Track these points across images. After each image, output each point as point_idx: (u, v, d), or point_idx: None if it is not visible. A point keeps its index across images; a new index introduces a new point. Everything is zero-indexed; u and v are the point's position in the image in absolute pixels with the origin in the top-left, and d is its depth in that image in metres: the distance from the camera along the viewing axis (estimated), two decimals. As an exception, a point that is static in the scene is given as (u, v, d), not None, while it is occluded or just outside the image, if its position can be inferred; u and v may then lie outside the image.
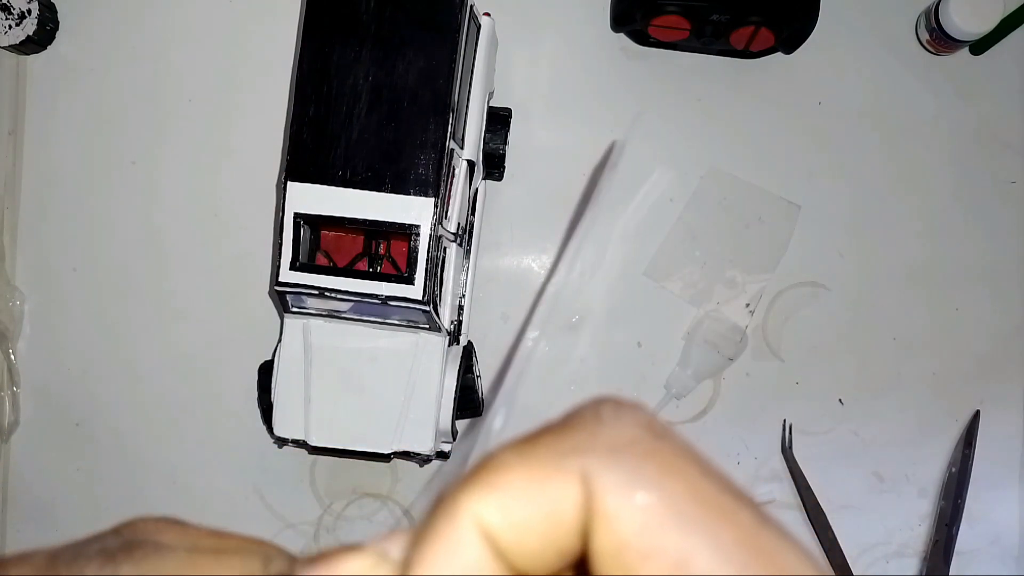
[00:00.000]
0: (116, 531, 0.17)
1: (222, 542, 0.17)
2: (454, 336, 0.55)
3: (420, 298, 0.47)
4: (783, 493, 0.61)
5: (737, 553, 0.12)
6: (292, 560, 0.16)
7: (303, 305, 0.50)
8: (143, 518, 0.18)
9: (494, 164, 0.58)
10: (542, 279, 0.62)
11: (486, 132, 0.56)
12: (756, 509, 0.13)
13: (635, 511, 0.13)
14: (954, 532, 0.59)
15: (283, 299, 0.50)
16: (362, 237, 0.53)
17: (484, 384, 0.59)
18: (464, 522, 0.14)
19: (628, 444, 0.14)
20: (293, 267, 0.48)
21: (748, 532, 0.13)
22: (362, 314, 0.50)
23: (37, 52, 0.62)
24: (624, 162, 0.62)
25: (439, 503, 0.14)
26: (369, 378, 0.52)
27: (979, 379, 0.61)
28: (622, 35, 0.61)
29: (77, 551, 0.16)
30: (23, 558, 0.16)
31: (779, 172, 0.61)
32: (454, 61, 0.48)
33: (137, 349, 0.62)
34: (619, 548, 0.13)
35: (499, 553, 0.14)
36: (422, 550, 0.14)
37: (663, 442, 0.14)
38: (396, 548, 0.14)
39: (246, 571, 0.16)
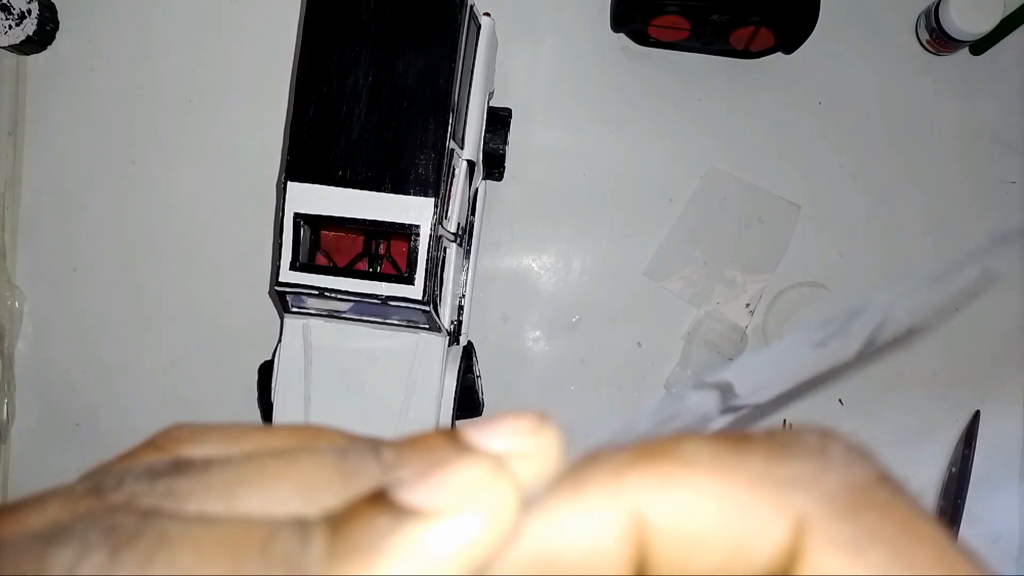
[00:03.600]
0: (155, 445, 0.15)
1: (278, 439, 0.14)
2: (454, 336, 0.55)
3: (420, 298, 0.47)
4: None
5: None
6: (372, 451, 0.13)
7: (303, 305, 0.50)
8: (178, 425, 0.15)
9: (494, 164, 0.58)
10: (542, 279, 0.62)
11: (486, 132, 0.56)
12: None
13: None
14: (954, 532, 0.59)
15: (283, 299, 0.50)
16: (362, 237, 0.53)
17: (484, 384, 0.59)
18: (620, 504, 0.11)
19: (860, 495, 0.11)
20: (293, 267, 0.48)
21: None
22: (362, 314, 0.50)
23: (37, 52, 0.62)
24: (625, 163, 0.62)
25: (596, 463, 0.12)
26: (369, 378, 0.52)
27: (979, 379, 0.61)
28: (622, 35, 0.61)
29: (121, 475, 0.13)
30: (59, 491, 0.13)
31: (779, 172, 0.61)
32: (454, 61, 0.48)
33: (137, 349, 0.62)
34: None
35: (640, 554, 0.11)
36: (559, 501, 0.11)
37: (901, 500, 0.11)
38: (524, 467, 0.12)
39: (321, 475, 0.12)
